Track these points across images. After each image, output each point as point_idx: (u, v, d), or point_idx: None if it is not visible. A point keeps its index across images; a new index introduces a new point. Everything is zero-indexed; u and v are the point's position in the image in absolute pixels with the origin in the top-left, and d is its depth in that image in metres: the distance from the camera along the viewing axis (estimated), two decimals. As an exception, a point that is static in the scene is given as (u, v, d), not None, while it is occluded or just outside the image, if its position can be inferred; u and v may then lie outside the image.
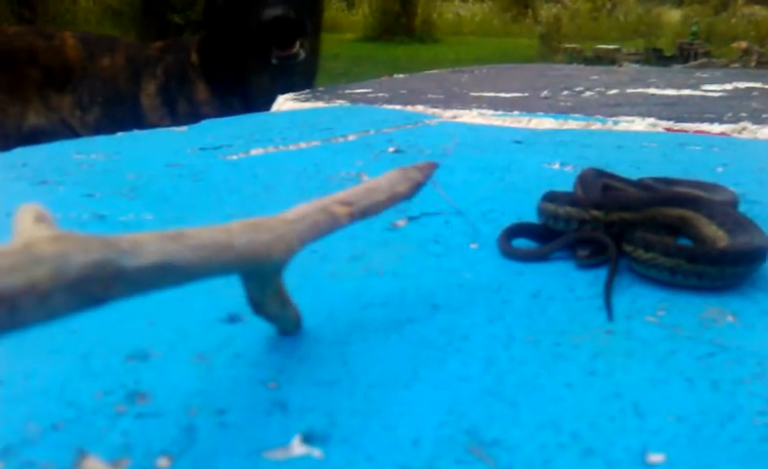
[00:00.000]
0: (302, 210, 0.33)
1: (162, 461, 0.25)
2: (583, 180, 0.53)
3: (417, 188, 0.39)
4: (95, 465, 0.24)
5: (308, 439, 0.26)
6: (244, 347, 0.34)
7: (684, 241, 0.47)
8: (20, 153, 0.75)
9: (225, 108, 1.67)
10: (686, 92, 1.45)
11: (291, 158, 0.78)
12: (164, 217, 0.55)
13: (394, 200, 0.38)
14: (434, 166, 0.40)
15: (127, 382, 0.30)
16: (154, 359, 0.32)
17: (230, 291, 0.40)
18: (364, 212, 0.36)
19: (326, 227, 0.34)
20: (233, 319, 0.37)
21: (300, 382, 0.31)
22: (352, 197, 0.36)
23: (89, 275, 0.21)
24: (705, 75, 1.74)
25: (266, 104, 1.48)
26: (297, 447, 0.26)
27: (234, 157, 0.77)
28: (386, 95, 1.41)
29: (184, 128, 0.95)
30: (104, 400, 0.29)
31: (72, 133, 1.77)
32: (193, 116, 1.63)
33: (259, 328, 0.36)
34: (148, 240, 0.23)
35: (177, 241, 0.24)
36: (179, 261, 0.24)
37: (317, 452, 0.26)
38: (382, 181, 0.38)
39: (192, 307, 0.38)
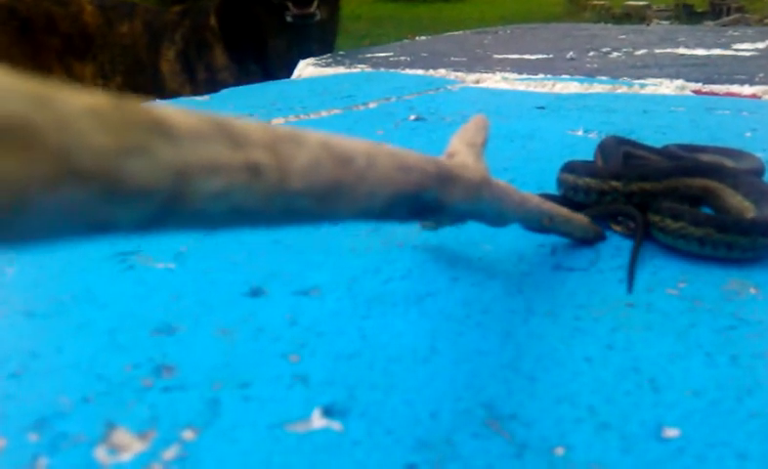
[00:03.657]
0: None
1: (188, 433, 0.26)
2: (604, 149, 0.52)
3: (589, 242, 0.44)
4: (123, 437, 0.25)
5: (328, 412, 0.27)
6: (266, 321, 0.34)
7: (708, 211, 0.47)
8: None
9: (243, 74, 1.67)
10: (716, 51, 1.41)
11: (312, 127, 0.78)
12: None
13: (571, 236, 0.44)
14: (603, 237, 0.45)
15: (154, 356, 0.31)
16: (180, 333, 0.33)
17: (252, 265, 0.41)
18: (552, 219, 0.40)
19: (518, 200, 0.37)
20: (255, 292, 0.37)
21: (321, 356, 0.31)
22: (556, 208, 0.41)
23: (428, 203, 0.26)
24: (737, 34, 1.69)
25: (285, 68, 1.47)
26: (317, 421, 0.27)
27: (256, 127, 0.77)
28: (408, 58, 1.40)
29: (205, 97, 0.95)
30: (131, 373, 0.30)
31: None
32: (212, 82, 1.63)
33: (280, 302, 0.36)
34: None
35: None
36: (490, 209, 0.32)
37: (336, 426, 0.26)
38: (580, 216, 0.44)
39: (216, 281, 0.39)
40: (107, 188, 0.12)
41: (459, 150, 0.33)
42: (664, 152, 0.55)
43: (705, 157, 0.55)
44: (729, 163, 0.53)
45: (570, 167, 0.48)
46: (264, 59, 1.70)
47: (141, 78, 1.75)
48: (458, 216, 0.31)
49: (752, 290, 0.38)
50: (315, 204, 0.18)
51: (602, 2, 7.73)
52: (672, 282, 0.39)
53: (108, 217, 0.13)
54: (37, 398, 0.28)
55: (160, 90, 1.70)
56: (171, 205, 0.14)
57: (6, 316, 0.35)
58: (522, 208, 0.36)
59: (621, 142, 0.54)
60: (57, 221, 0.12)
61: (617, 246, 0.44)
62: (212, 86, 1.49)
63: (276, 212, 0.17)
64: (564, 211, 0.41)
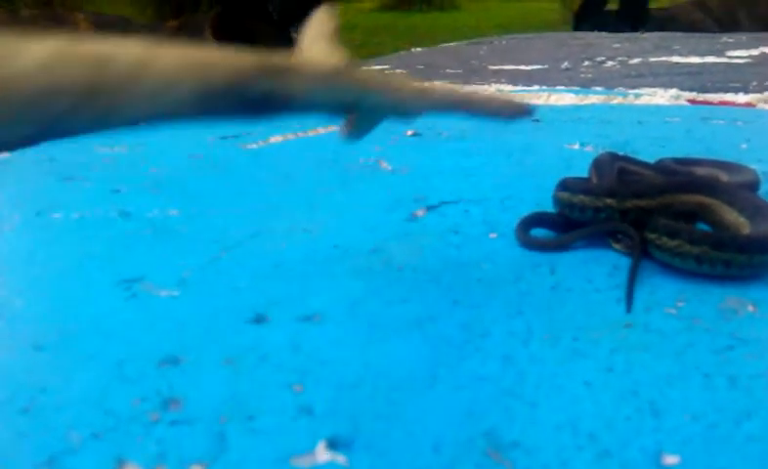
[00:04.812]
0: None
1: None
2: (598, 165, 0.53)
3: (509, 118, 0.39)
4: (133, 474, 0.26)
5: (332, 444, 0.27)
6: (270, 349, 0.35)
7: (702, 227, 0.47)
8: (46, 148, 0.77)
9: None
10: (710, 59, 1.42)
11: (310, 146, 0.78)
12: (189, 212, 0.56)
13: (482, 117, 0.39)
14: (528, 111, 0.40)
15: (161, 388, 0.31)
16: (185, 363, 0.34)
17: (254, 290, 0.42)
18: (456, 107, 0.37)
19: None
20: (258, 319, 0.38)
21: (324, 385, 0.32)
22: (461, 93, 0.37)
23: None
24: (731, 40, 1.70)
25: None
26: (322, 454, 0.27)
27: (254, 146, 0.78)
28: (404, 71, 1.41)
29: (204, 115, 0.96)
30: (139, 407, 0.30)
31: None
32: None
33: (283, 329, 0.37)
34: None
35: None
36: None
37: (341, 458, 0.27)
38: (487, 94, 0.40)
39: (220, 308, 0.39)
40: None
41: (308, 47, 0.34)
42: (659, 167, 0.55)
43: (701, 171, 0.56)
44: (724, 177, 0.54)
45: (565, 185, 0.49)
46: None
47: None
48: (334, 108, 0.32)
49: (750, 308, 0.39)
50: (81, 105, 0.21)
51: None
52: (671, 301, 0.39)
53: None
54: (48, 434, 0.28)
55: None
56: None
57: (15, 349, 0.35)
58: (426, 98, 0.35)
59: (616, 158, 0.55)
60: None
61: (614, 265, 0.44)
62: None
63: (19, 116, 0.20)
64: (482, 95, 0.38)
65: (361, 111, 0.33)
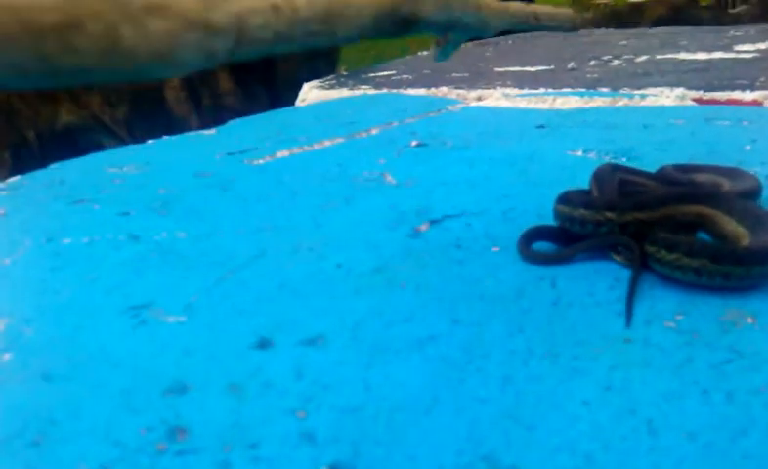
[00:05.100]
0: None
1: (201, 499, 0.27)
2: (599, 177, 0.53)
3: (573, 29, 0.61)
4: (140, 506, 0.27)
5: (334, 471, 0.28)
6: (273, 374, 0.36)
7: (703, 237, 0.47)
8: (57, 170, 0.78)
9: (249, 97, 1.70)
10: (717, 54, 1.41)
11: (315, 159, 0.79)
12: (195, 233, 0.57)
13: (557, 28, 0.62)
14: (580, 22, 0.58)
15: (167, 417, 0.32)
16: (191, 391, 0.34)
17: (259, 313, 0.42)
18: (538, 19, 0.55)
19: None
20: (262, 344, 0.39)
21: (326, 410, 0.32)
22: (539, 9, 0.55)
23: None
24: (739, 34, 1.68)
25: (291, 90, 1.49)
26: (324, 481, 0.28)
27: (261, 162, 0.78)
28: (410, 77, 1.41)
29: (211, 131, 0.97)
30: (146, 437, 0.31)
31: (105, 129, 1.82)
32: (218, 107, 1.66)
33: (287, 354, 0.38)
34: None
35: None
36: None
37: (342, 485, 0.27)
38: (563, 10, 0.59)
39: (225, 332, 0.40)
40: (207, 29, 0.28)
41: None
42: (660, 177, 0.55)
43: (702, 178, 0.56)
44: (725, 184, 0.54)
45: (565, 198, 0.49)
46: (270, 81, 1.72)
47: (147, 106, 1.78)
48: (442, 27, 0.41)
49: (749, 320, 0.39)
50: (322, 25, 0.32)
51: (606, 0, 7.70)
52: (670, 315, 0.40)
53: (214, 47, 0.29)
54: (57, 467, 0.29)
55: (167, 117, 1.73)
56: (241, 37, 0.29)
57: (26, 381, 0.36)
58: (505, 14, 0.47)
59: (616, 169, 0.55)
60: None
61: (615, 277, 0.45)
62: (218, 111, 1.51)
63: (301, 34, 0.31)
64: (547, 9, 0.49)
65: (456, 30, 0.43)
